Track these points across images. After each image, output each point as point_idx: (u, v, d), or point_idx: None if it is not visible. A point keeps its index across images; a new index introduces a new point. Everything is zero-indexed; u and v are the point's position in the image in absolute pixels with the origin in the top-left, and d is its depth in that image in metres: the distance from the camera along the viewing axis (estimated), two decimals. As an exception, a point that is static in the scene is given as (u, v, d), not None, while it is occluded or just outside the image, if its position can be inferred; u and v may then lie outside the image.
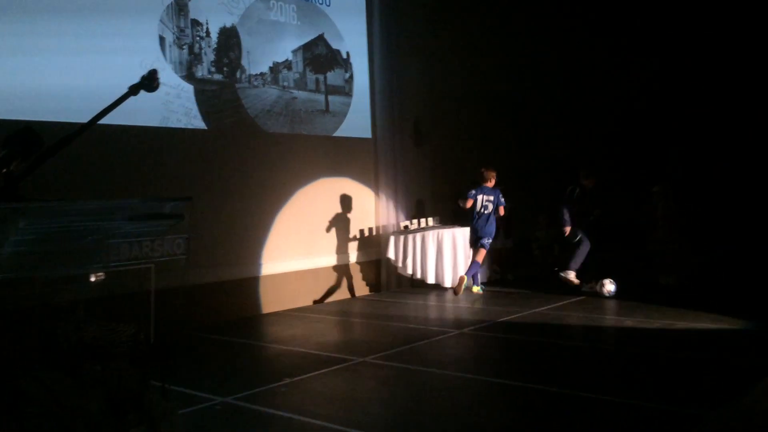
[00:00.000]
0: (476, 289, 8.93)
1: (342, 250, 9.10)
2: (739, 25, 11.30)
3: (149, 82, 2.54)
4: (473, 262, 8.81)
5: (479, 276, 9.06)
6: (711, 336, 5.97)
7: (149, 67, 2.78)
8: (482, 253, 8.75)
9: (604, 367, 5.31)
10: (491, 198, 8.71)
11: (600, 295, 8.04)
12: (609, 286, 8.06)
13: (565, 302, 7.87)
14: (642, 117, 12.05)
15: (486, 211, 8.69)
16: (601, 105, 12.04)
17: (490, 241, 8.76)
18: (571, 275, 8.45)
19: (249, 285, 7.92)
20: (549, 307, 7.65)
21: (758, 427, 3.77)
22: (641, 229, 9.44)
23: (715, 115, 11.49)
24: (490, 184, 8.79)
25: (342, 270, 9.11)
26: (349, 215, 9.24)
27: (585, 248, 8.41)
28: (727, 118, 11.39)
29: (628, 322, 6.77)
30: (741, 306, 7.14)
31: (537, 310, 7.50)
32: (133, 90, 2.54)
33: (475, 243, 8.83)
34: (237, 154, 7.96)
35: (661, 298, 7.78)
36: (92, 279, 2.77)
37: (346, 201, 9.21)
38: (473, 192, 8.75)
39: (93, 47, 6.65)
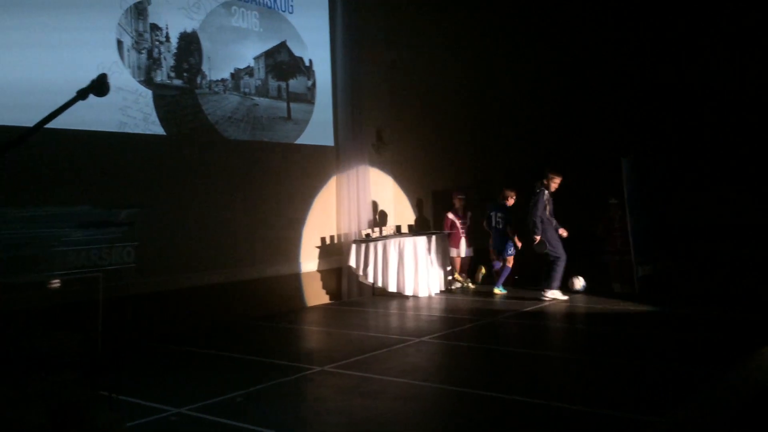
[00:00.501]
0: (498, 290, 9.33)
1: (303, 258, 9.05)
2: (688, 36, 11.60)
3: (99, 86, 2.49)
4: (503, 267, 9.47)
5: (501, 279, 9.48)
6: (659, 340, 6.09)
7: (107, 71, 2.73)
8: (509, 259, 9.42)
9: (558, 373, 5.37)
10: (501, 215, 9.46)
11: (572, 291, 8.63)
12: (578, 283, 8.62)
13: (526, 309, 7.95)
14: (599, 126, 12.26)
15: (500, 227, 9.43)
16: (560, 114, 12.22)
17: (510, 251, 9.38)
18: (557, 293, 8.63)
19: (208, 293, 7.79)
20: (507, 315, 7.72)
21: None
22: (597, 239, 9.61)
23: (671, 125, 11.76)
24: (509, 202, 9.47)
25: (303, 278, 9.05)
26: (310, 223, 9.19)
27: (562, 263, 8.61)
28: (682, 129, 11.67)
29: (579, 328, 6.87)
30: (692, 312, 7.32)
31: (497, 318, 7.56)
32: (82, 94, 2.48)
33: (498, 255, 9.62)
34: (196, 160, 7.85)
35: (616, 305, 7.92)
36: (48, 287, 2.71)
37: (307, 209, 9.17)
38: (488, 210, 9.63)
39: (48, 52, 6.51)
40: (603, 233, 9.48)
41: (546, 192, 8.82)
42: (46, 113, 2.50)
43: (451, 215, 10.14)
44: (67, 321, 2.91)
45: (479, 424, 4.18)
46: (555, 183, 8.85)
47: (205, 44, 8.06)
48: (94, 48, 6.89)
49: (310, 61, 9.45)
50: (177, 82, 7.76)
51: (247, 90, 8.53)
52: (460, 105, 11.49)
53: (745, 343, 5.63)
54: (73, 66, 6.53)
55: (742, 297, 8.31)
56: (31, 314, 2.66)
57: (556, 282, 8.61)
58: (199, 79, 7.98)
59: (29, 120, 2.58)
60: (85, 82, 2.60)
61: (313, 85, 9.48)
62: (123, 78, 7.12)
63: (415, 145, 10.78)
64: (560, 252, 8.63)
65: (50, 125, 2.63)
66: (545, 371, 5.43)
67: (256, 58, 8.69)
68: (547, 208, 8.77)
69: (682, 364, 5.27)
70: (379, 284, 9.26)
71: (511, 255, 9.40)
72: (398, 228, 9.91)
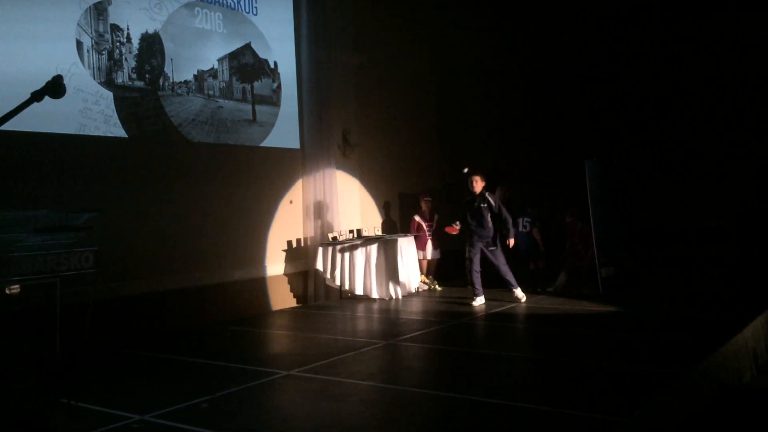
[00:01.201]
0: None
1: (270, 261, 8.98)
2: (655, 41, 11.84)
3: (54, 87, 2.42)
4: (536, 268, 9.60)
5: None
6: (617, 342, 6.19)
7: (65, 73, 2.66)
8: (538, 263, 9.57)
9: (523, 374, 5.41)
10: (528, 219, 9.56)
11: (516, 301, 8.42)
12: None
13: (492, 311, 8.00)
14: (564, 129, 12.45)
15: (525, 230, 9.49)
16: (528, 117, 12.37)
17: (537, 256, 9.51)
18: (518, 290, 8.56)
19: (171, 298, 7.68)
20: (474, 317, 7.76)
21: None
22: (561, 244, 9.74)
23: (636, 128, 11.99)
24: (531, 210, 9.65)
25: (270, 281, 8.98)
26: (276, 226, 9.13)
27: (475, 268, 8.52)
28: (646, 132, 11.90)
29: (545, 329, 6.94)
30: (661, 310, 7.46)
31: (463, 321, 7.59)
32: (37, 96, 2.42)
33: (530, 258, 9.65)
34: (159, 163, 7.74)
35: (579, 305, 8.03)
36: (7, 291, 2.63)
37: (273, 212, 9.10)
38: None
39: (4, 51, 6.35)
40: (568, 239, 9.58)
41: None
42: (1, 109, 2.43)
43: (417, 218, 10.16)
44: (24, 328, 2.84)
45: (445, 426, 4.19)
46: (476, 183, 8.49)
47: (168, 45, 7.95)
48: (53, 49, 6.75)
49: (275, 63, 9.39)
50: (139, 83, 7.64)
51: (211, 92, 8.44)
52: (428, 107, 11.54)
53: (706, 342, 5.74)
54: (30, 67, 6.37)
55: (703, 296, 8.50)
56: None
57: (512, 278, 8.47)
58: (161, 81, 7.87)
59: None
60: (40, 84, 2.54)
61: (279, 87, 9.42)
62: (83, 79, 6.99)
63: (382, 147, 10.79)
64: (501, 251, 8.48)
65: (5, 127, 2.57)
66: (511, 372, 5.46)
67: (220, 60, 8.60)
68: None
69: (641, 365, 5.36)
70: (346, 287, 9.24)
71: (538, 258, 9.46)
72: (365, 231, 9.90)
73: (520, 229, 9.46)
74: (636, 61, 12.15)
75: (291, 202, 9.06)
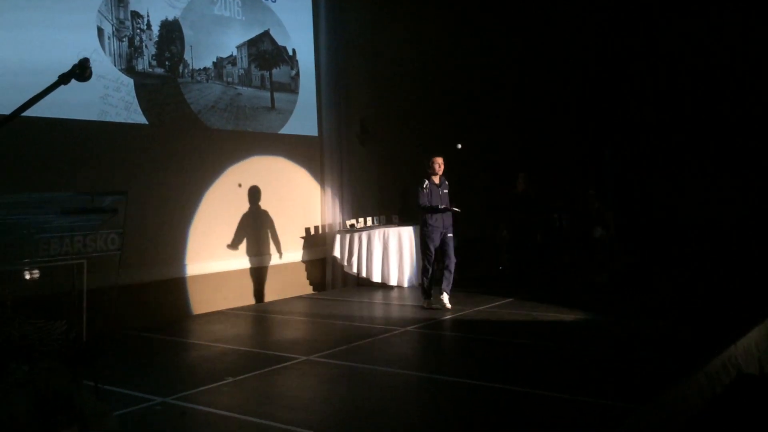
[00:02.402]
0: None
1: (287, 248, 9.01)
2: (667, 29, 11.66)
3: (81, 70, 2.44)
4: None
5: None
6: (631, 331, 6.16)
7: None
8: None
9: (544, 362, 5.40)
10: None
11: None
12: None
13: (507, 300, 7.99)
14: (579, 116, 12.31)
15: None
16: (543, 103, 12.26)
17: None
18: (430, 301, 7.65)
19: (191, 283, 7.76)
20: (493, 305, 7.75)
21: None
22: (578, 231, 9.68)
23: (651, 116, 11.84)
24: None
25: (288, 268, 9.02)
26: (294, 214, 9.16)
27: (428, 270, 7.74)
28: (664, 120, 11.75)
29: (567, 317, 6.91)
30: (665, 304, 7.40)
31: (480, 308, 7.59)
32: (64, 79, 2.44)
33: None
34: (179, 150, 7.79)
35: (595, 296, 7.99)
36: (27, 277, 2.66)
37: (291, 199, 9.13)
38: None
39: (26, 38, 6.41)
40: (586, 224, 9.51)
41: (427, 180, 7.68)
42: (25, 95, 2.45)
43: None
44: (50, 309, 2.88)
45: (464, 412, 4.21)
46: (436, 166, 7.66)
47: (187, 32, 7.98)
48: (74, 36, 6.79)
49: (294, 50, 9.39)
50: (159, 70, 7.68)
51: (230, 79, 8.46)
52: (447, 93, 11.46)
53: (725, 334, 5.70)
54: (52, 54, 6.43)
55: (722, 290, 8.42)
56: (16, 302, 2.62)
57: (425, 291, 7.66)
58: (181, 68, 7.90)
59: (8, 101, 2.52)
60: (63, 70, 2.56)
61: (297, 74, 9.42)
62: (104, 66, 7.03)
63: (400, 135, 10.75)
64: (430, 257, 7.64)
65: (30, 113, 2.59)
66: (533, 360, 5.46)
67: (239, 47, 8.62)
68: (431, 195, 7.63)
69: (661, 354, 5.33)
70: (364, 274, 9.26)
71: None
72: (382, 218, 9.90)
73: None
74: (658, 49, 11.97)
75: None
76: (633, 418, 3.65)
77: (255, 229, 8.60)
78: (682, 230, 10.80)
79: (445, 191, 7.75)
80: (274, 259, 8.83)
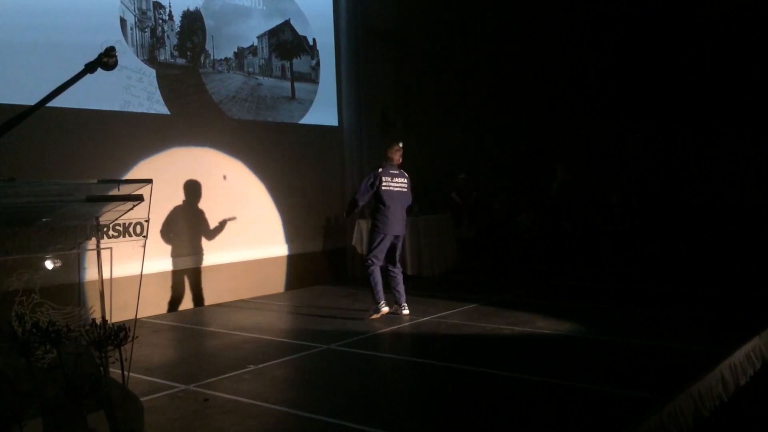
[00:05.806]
0: None
1: (308, 238, 9.05)
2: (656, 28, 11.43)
3: (106, 59, 2.46)
4: None
5: None
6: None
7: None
8: None
9: (575, 354, 5.38)
10: None
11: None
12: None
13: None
14: (608, 107, 12.15)
15: None
16: (561, 92, 12.11)
17: None
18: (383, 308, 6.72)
19: (215, 272, 7.82)
20: (513, 294, 7.72)
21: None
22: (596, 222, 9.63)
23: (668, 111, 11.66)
24: None
25: (308, 258, 9.06)
26: (315, 204, 9.18)
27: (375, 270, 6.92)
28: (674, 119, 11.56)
29: (581, 306, 6.86)
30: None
31: (503, 297, 7.56)
32: (90, 67, 2.46)
33: None
34: (201, 139, 7.83)
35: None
36: (50, 266, 2.70)
37: (312, 189, 9.15)
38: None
39: (51, 28, 6.48)
40: (604, 216, 9.46)
41: (380, 169, 6.82)
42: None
43: (455, 195, 10.11)
44: (76, 296, 2.92)
45: (486, 401, 4.20)
46: (394, 154, 6.84)
47: (209, 23, 8.01)
48: (98, 26, 6.85)
49: (314, 39, 9.38)
50: (180, 61, 7.72)
51: (251, 69, 8.49)
52: (469, 84, 11.38)
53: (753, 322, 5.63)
54: (76, 44, 6.49)
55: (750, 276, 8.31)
56: (44, 288, 2.66)
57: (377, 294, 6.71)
58: (202, 58, 7.94)
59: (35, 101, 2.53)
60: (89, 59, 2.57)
61: (317, 64, 9.42)
62: (127, 57, 7.08)
63: (421, 125, 10.72)
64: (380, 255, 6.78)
65: (54, 103, 2.61)
66: (562, 352, 5.44)
67: (260, 37, 8.63)
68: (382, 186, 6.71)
69: (690, 344, 5.28)
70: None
71: None
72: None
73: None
74: (685, 35, 11.74)
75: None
76: (655, 411, 3.62)
77: (275, 219, 8.64)
78: (710, 217, 10.64)
79: (405, 185, 6.78)
80: (295, 249, 8.86)
